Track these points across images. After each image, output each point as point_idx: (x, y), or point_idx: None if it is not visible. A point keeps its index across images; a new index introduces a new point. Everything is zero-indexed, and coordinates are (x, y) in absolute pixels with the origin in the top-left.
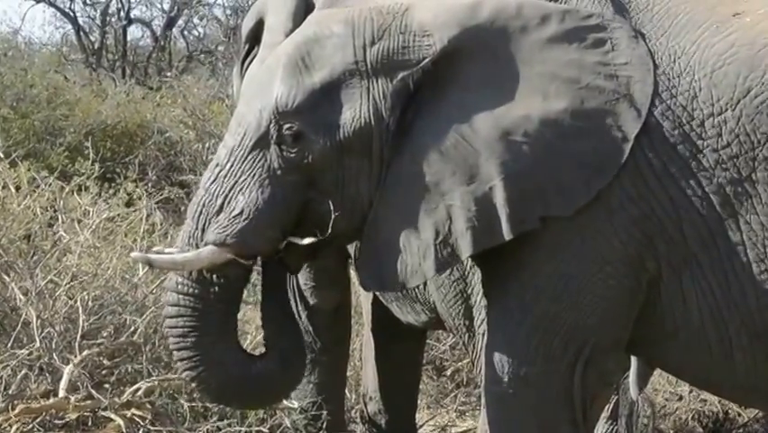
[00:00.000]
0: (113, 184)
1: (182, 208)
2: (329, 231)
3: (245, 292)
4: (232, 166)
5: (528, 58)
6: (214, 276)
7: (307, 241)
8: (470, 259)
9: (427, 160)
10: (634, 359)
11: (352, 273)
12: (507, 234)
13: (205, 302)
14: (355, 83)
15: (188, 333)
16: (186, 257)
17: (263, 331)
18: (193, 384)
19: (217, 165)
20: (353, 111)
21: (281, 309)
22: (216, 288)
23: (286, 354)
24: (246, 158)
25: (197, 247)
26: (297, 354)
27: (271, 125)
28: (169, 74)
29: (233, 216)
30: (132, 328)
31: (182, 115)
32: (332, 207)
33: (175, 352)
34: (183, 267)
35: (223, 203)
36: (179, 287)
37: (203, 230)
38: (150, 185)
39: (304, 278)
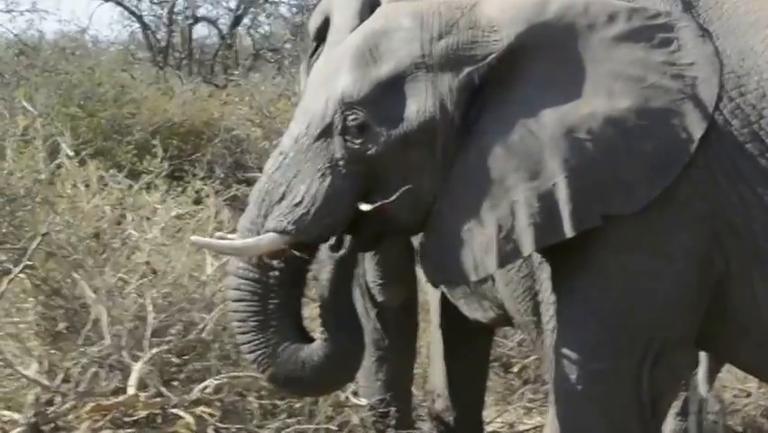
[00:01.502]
0: (180, 182)
1: None
2: (390, 223)
3: (311, 290)
4: (295, 154)
5: (594, 56)
6: (275, 261)
7: (366, 207)
8: (538, 255)
9: (492, 155)
10: (703, 355)
11: (419, 271)
12: (569, 232)
13: (265, 286)
14: (421, 77)
15: (249, 317)
16: (246, 243)
17: (320, 316)
18: (255, 368)
19: (281, 153)
20: (419, 104)
21: (343, 300)
22: (277, 272)
23: (345, 341)
24: (310, 147)
25: (258, 234)
26: (356, 343)
27: (336, 115)
28: (235, 72)
29: (294, 205)
30: (201, 326)
31: (249, 112)
32: (391, 198)
33: (237, 336)
34: (242, 253)
35: (285, 191)
36: (240, 271)
37: (265, 217)
38: (217, 183)
39: (372, 275)
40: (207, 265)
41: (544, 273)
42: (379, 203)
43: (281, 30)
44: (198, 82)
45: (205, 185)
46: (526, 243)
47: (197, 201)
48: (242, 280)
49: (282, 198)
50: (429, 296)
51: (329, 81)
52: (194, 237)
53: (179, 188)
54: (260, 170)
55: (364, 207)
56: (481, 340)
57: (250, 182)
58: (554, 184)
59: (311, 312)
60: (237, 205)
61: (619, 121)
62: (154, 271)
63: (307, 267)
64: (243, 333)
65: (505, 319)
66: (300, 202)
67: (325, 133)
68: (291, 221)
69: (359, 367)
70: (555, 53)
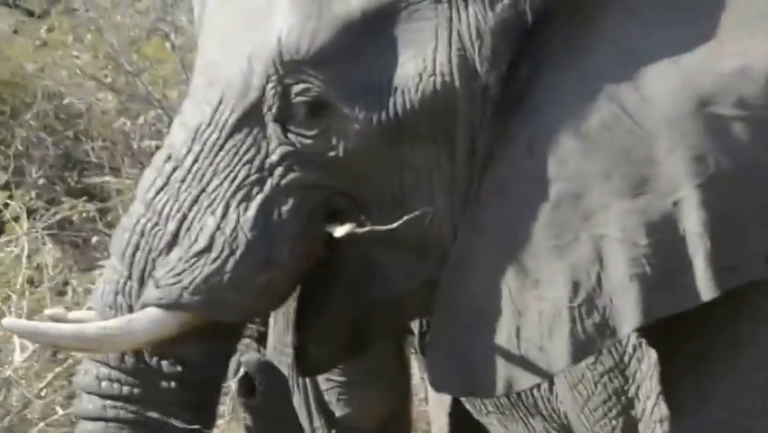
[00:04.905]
0: None
1: (94, 239)
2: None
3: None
4: (196, 162)
5: None
6: (165, 362)
7: (343, 231)
8: (633, 334)
9: (558, 152)
10: None
11: (414, 362)
12: (706, 291)
13: (149, 411)
14: (425, 11)
15: None
16: (107, 328)
17: None
18: None
19: (169, 159)
20: (421, 62)
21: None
22: (171, 383)
23: None
24: (222, 146)
25: (130, 310)
26: None
27: (270, 86)
28: None
29: (196, 253)
30: None
31: (92, 63)
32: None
33: None
34: (102, 346)
35: (177, 230)
36: (103, 385)
37: (141, 280)
38: (33, 194)
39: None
40: (16, 350)
41: (646, 365)
42: (364, 228)
43: None
44: None
45: (11, 198)
46: (628, 313)
47: None
48: (109, 403)
49: (173, 243)
50: (431, 404)
51: (253, 22)
52: (5, 320)
53: None
54: (115, 172)
55: (339, 231)
56: None
57: (94, 194)
58: (677, 203)
59: None
60: (69, 236)
61: None
62: None
63: (221, 367)
64: None
65: None
66: (207, 249)
67: (250, 118)
68: (191, 286)
69: None
70: None
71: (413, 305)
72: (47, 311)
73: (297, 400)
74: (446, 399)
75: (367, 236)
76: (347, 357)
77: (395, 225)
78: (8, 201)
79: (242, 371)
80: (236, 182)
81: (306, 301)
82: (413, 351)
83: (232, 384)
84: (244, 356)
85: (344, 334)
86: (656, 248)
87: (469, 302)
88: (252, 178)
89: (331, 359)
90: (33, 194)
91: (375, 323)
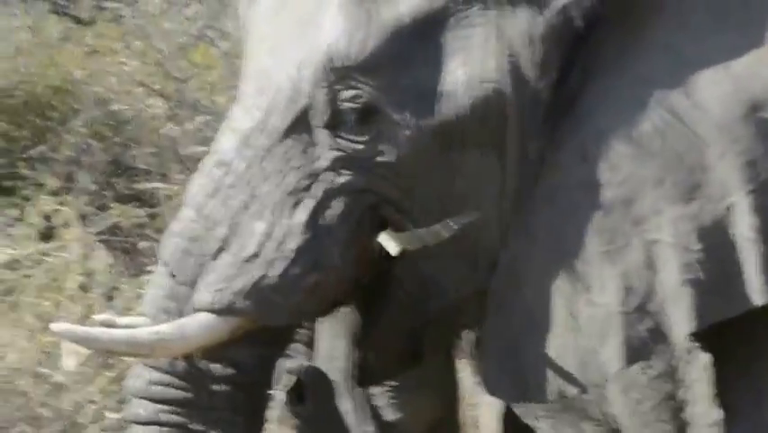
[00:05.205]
0: (14, 198)
1: (144, 244)
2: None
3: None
4: (245, 167)
5: None
6: (217, 365)
7: (397, 249)
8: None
9: (610, 157)
10: None
11: (464, 366)
12: (759, 296)
13: (202, 415)
14: (474, 17)
15: None
16: (160, 333)
17: None
18: None
19: (218, 165)
20: (470, 69)
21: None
22: (222, 386)
23: None
24: (272, 152)
25: (181, 315)
26: None
27: (319, 93)
28: None
29: (246, 258)
30: None
31: (140, 70)
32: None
33: None
34: (154, 351)
35: (227, 235)
36: (155, 390)
37: (191, 285)
38: (84, 199)
39: None
40: (63, 357)
41: (697, 367)
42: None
43: None
44: (44, 12)
45: (62, 204)
46: (681, 318)
47: (48, 235)
48: (161, 408)
49: (223, 248)
50: (482, 410)
51: (303, 28)
52: (55, 325)
53: (13, 210)
54: (164, 177)
55: (392, 247)
56: None
57: (143, 200)
58: (729, 207)
59: None
60: (119, 242)
61: None
62: None
63: (270, 371)
64: None
65: None
66: (257, 253)
67: (299, 124)
68: (243, 290)
69: None
70: None
71: (468, 314)
72: (98, 317)
73: (348, 405)
74: (496, 403)
75: (420, 249)
76: (403, 369)
77: (451, 224)
78: (58, 207)
79: (291, 380)
80: (285, 187)
81: (365, 312)
82: (464, 355)
83: (279, 390)
84: (294, 364)
85: (401, 342)
86: (709, 253)
87: (521, 308)
88: (302, 183)
89: (387, 369)
90: (85, 198)
91: (432, 334)
